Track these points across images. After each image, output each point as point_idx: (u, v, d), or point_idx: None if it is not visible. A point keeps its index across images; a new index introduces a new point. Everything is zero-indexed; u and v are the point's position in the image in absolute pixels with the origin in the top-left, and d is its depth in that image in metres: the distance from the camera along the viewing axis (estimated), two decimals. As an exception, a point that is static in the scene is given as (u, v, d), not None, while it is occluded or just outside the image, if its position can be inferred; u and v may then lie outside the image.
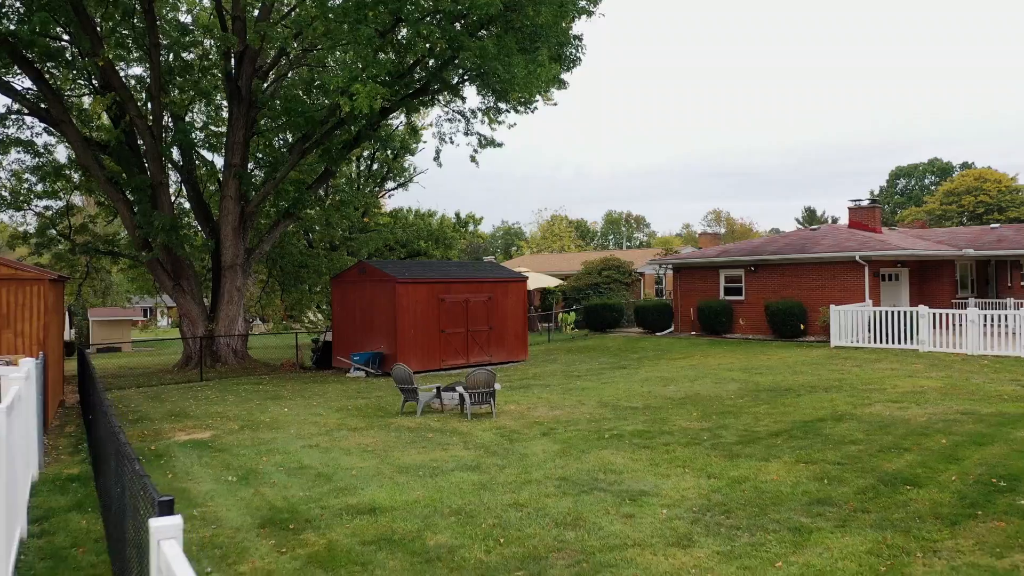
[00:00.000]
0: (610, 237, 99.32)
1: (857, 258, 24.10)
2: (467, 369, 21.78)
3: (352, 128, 24.20)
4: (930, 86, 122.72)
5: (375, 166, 39.24)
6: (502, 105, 25.77)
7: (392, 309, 20.39)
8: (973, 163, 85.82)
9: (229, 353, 23.48)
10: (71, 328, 43.43)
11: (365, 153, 38.42)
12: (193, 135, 22.98)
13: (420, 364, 20.81)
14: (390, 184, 40.50)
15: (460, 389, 13.23)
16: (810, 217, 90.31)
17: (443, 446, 10.69)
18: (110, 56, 17.92)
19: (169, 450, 10.73)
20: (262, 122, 25.30)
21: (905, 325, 21.34)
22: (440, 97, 27.63)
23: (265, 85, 25.34)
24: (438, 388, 13.79)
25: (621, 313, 32.53)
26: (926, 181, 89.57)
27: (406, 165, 40.05)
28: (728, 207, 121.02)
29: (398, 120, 36.08)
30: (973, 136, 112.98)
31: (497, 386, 13.31)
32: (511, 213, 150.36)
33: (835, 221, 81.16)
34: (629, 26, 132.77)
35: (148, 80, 22.32)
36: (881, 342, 21.80)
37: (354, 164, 37.84)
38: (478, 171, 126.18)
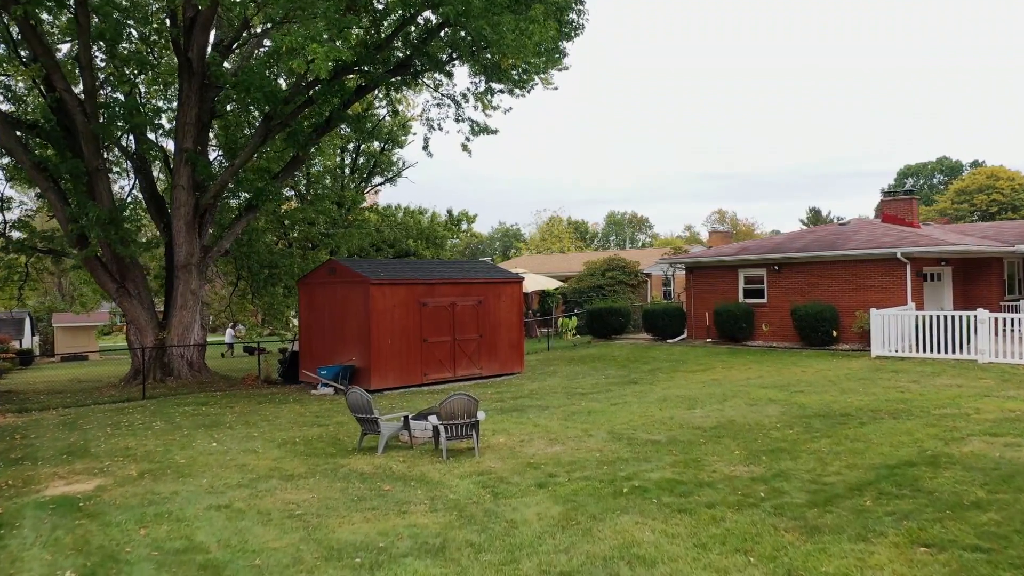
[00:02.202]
0: (611, 238, 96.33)
1: (898, 255, 21.16)
2: (454, 384, 18.90)
3: (324, 109, 21.35)
4: (929, 85, 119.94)
5: (361, 159, 36.37)
6: (495, 85, 22.94)
7: (365, 315, 17.48)
8: (984, 161, 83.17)
9: (183, 365, 20.55)
10: (33, 335, 40.51)
11: (350, 146, 35.63)
12: (143, 115, 19.96)
13: (398, 379, 17.91)
14: (377, 179, 37.67)
15: (434, 419, 10.31)
16: (815, 217, 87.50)
17: (401, 506, 7.76)
18: (21, 13, 14.96)
19: (21, 513, 7.78)
20: (227, 107, 22.38)
21: (958, 332, 18.43)
22: (427, 80, 24.79)
23: (228, 65, 22.47)
24: (406, 417, 10.86)
25: (627, 318, 29.56)
26: (935, 180, 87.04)
27: (394, 159, 37.20)
28: (728, 208, 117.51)
29: (383, 110, 33.31)
30: (976, 134, 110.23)
31: (481, 415, 10.38)
32: (510, 215, 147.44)
33: (840, 221, 78.24)
34: (629, 25, 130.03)
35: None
36: (930, 351, 18.88)
37: (338, 157, 34.94)
38: (475, 173, 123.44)
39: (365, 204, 36.79)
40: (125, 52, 19.29)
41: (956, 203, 69.34)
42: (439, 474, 9.15)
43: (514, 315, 20.37)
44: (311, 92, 19.84)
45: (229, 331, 40.94)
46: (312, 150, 32.02)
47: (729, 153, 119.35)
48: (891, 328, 19.65)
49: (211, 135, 24.73)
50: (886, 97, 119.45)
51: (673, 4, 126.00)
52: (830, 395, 14.03)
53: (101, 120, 18.18)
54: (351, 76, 21.23)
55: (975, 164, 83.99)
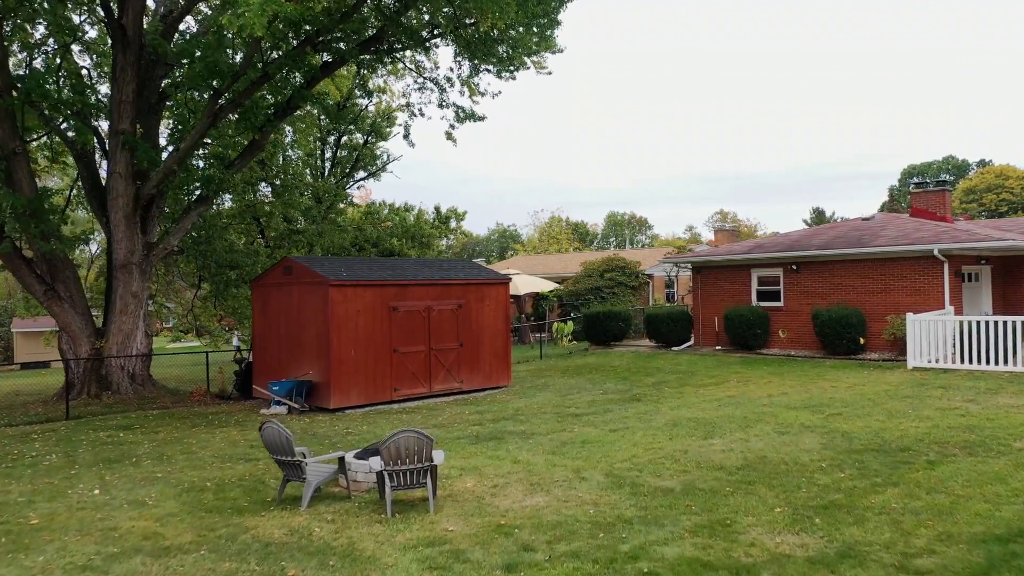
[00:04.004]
0: (611, 240, 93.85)
1: (936, 252, 18.69)
2: (429, 401, 16.42)
3: (285, 88, 18.95)
4: (930, 85, 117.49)
5: (343, 152, 33.92)
6: (481, 66, 20.60)
7: (324, 321, 15.02)
8: (991, 160, 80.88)
9: (124, 378, 18.08)
10: (-8, 341, 38.03)
11: (331, 138, 33.20)
12: (74, 89, 17.50)
13: (363, 395, 15.46)
14: (361, 173, 35.21)
15: (377, 461, 7.83)
16: (819, 218, 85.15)
17: (301, 609, 5.29)
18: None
19: None
20: (177, 89, 19.90)
21: (1010, 340, 15.96)
22: (408, 63, 22.42)
23: (178, 39, 20.00)
24: (341, 458, 8.37)
25: (628, 322, 27.05)
26: (941, 179, 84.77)
27: (378, 152, 34.75)
28: (729, 210, 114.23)
29: (365, 100, 30.94)
30: (980, 133, 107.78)
31: (438, 456, 7.91)
32: (509, 217, 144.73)
33: (862, 219, 75.73)
34: (628, 24, 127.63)
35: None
36: (975, 362, 16.41)
37: (317, 148, 32.48)
38: (471, 174, 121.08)
39: (354, 199, 34.40)
40: (53, 19, 16.75)
41: (964, 202, 67.22)
42: (374, 543, 6.67)
43: (500, 320, 17.91)
44: (268, 69, 17.38)
45: (236, 333, 37.78)
46: (289, 139, 29.68)
47: (729, 153, 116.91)
48: (929, 335, 17.17)
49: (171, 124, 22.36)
50: (886, 97, 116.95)
51: (672, 4, 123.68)
52: (876, 419, 11.54)
53: (15, 96, 15.71)
54: (315, 50, 18.80)
55: (982, 163, 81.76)
